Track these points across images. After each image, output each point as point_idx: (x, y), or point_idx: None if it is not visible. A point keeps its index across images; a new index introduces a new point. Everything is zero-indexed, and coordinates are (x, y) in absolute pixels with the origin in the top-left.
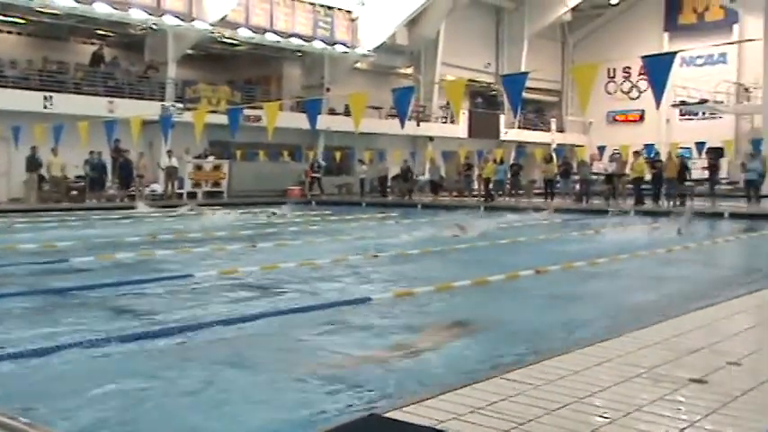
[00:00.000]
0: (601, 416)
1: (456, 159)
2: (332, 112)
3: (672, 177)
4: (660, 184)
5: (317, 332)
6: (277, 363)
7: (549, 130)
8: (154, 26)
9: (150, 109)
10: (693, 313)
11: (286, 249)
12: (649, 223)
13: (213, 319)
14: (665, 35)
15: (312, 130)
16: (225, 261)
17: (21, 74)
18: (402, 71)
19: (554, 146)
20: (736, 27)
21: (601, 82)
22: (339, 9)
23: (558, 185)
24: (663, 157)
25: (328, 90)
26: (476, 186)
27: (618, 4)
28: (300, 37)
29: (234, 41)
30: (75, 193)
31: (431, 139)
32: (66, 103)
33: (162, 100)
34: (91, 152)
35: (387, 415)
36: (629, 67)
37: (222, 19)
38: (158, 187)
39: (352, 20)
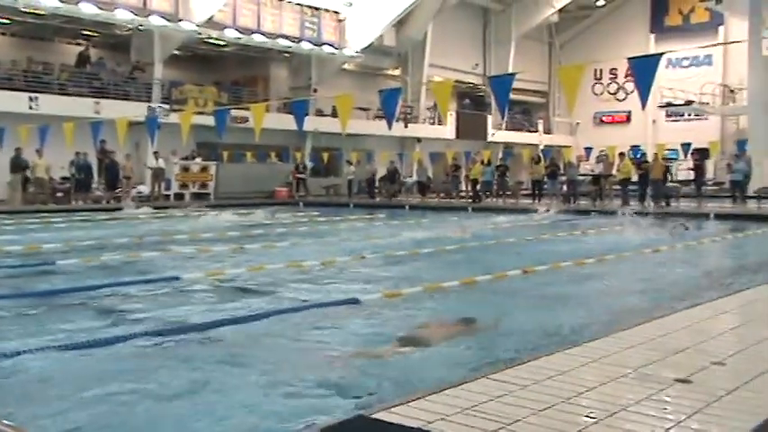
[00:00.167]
0: (587, 416)
1: (443, 160)
2: (319, 113)
3: (658, 178)
4: (646, 185)
5: (305, 333)
6: (264, 364)
7: (536, 131)
8: (140, 27)
9: (136, 110)
10: (679, 313)
11: (273, 251)
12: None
13: (199, 320)
14: (652, 37)
15: (299, 131)
16: (209, 262)
17: (5, 74)
18: (389, 72)
19: (541, 147)
20: (721, 29)
21: (587, 83)
22: (326, 10)
23: (546, 186)
24: (650, 158)
25: (315, 91)
26: (463, 187)
27: (604, 6)
28: (288, 38)
29: (221, 42)
30: (60, 194)
31: (418, 140)
32: (51, 104)
33: (148, 101)
34: (77, 153)
35: (374, 416)
36: (615, 69)
37: (209, 20)
38: (145, 189)
39: (340, 21)
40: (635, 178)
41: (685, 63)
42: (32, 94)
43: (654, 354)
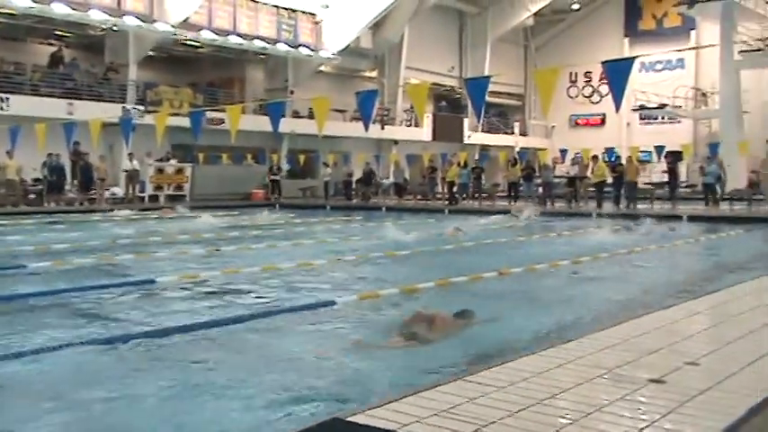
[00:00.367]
0: (563, 416)
1: (420, 162)
2: (296, 114)
3: (632, 181)
4: (621, 187)
5: (281, 336)
6: (238, 368)
7: (512, 133)
8: (114, 27)
9: (111, 111)
10: (653, 314)
11: (249, 253)
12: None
13: (172, 324)
14: (626, 40)
15: (275, 133)
16: (185, 264)
17: None
18: (366, 74)
19: (517, 149)
20: (693, 33)
21: (563, 86)
22: (303, 12)
23: (522, 189)
24: (624, 161)
25: (292, 93)
26: (440, 189)
27: (579, 10)
28: (264, 39)
29: (196, 43)
30: (32, 196)
31: (395, 142)
32: (23, 105)
33: (123, 102)
34: (49, 154)
35: (349, 419)
36: (590, 72)
37: (185, 21)
38: (119, 190)
39: (316, 23)
40: (610, 180)
41: (659, 67)
42: (3, 95)
43: (628, 354)
